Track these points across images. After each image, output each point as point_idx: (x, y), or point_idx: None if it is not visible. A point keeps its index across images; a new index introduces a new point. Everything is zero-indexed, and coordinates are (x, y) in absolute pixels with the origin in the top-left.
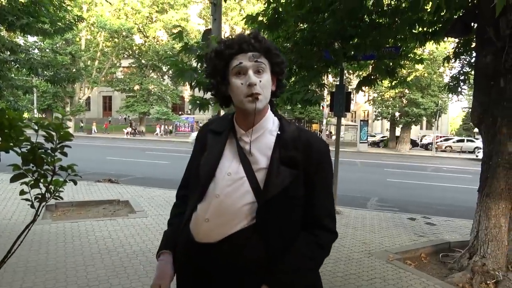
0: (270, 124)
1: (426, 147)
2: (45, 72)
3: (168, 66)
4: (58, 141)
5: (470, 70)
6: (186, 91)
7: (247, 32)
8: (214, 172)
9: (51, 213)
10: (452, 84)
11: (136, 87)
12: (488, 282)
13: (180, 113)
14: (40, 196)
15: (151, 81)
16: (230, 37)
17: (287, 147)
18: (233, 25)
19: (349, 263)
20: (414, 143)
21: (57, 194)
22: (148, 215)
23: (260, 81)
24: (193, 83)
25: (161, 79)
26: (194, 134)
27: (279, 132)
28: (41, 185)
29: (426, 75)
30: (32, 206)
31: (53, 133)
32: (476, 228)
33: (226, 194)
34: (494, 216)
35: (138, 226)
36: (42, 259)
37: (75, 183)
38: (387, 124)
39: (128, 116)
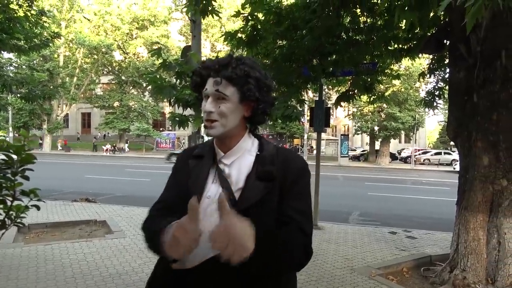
0: (249, 145)
1: (405, 160)
2: (20, 89)
3: (147, 83)
4: (19, 164)
5: (444, 85)
6: (168, 107)
7: (232, 52)
8: (201, 195)
9: (24, 236)
10: (428, 99)
11: (116, 104)
12: None
13: (161, 129)
14: (3, 222)
15: (131, 97)
16: (215, 57)
17: (264, 163)
18: (213, 42)
19: (332, 280)
20: (393, 157)
21: (18, 221)
22: (126, 235)
23: (219, 107)
24: (172, 100)
25: (142, 96)
26: (176, 151)
27: (258, 152)
28: (0, 211)
29: (403, 90)
30: None
31: (14, 156)
32: (455, 241)
33: (205, 216)
34: (472, 229)
35: (115, 247)
36: (11, 286)
37: (38, 209)
38: (367, 138)
39: (108, 133)
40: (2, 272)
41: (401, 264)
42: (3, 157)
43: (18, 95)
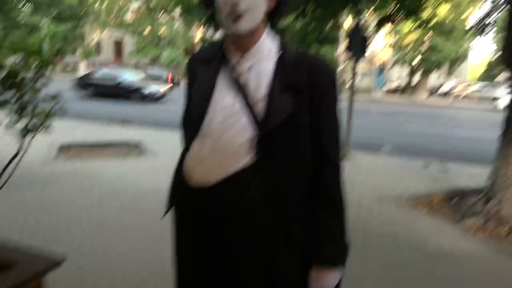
0: (267, 47)
1: (445, 94)
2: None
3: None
4: (39, 68)
5: (501, 9)
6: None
7: None
8: (207, 106)
9: (65, 153)
10: (478, 26)
11: (147, 31)
12: (502, 228)
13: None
14: (26, 128)
15: (162, 24)
16: None
17: (289, 71)
18: None
19: (358, 209)
20: (433, 90)
21: (45, 126)
22: (160, 157)
23: None
24: (203, 19)
25: (172, 22)
26: None
27: (279, 56)
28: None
29: (449, 19)
30: (24, 136)
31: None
32: (494, 174)
33: (222, 130)
34: None
35: (149, 167)
36: (55, 198)
37: (64, 112)
38: (405, 71)
39: (139, 61)
40: (46, 187)
41: (432, 196)
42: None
43: (49, 16)
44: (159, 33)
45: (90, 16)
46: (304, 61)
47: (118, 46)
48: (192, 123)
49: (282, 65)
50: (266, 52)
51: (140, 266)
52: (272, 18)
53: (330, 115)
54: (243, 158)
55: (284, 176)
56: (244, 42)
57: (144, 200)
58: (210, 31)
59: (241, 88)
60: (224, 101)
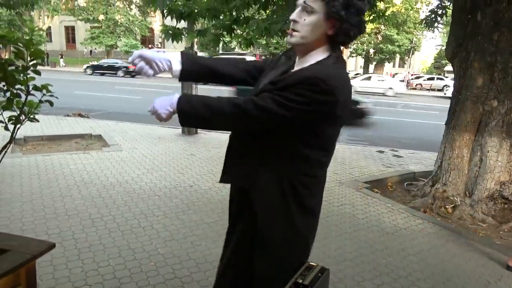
0: (314, 61)
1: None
2: None
3: None
4: (30, 58)
5: (449, 4)
6: (156, 23)
7: None
8: None
9: (20, 147)
10: (429, 18)
11: (101, 17)
12: (447, 206)
13: (150, 46)
14: (14, 118)
15: (117, 10)
16: None
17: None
18: None
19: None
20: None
21: (32, 116)
22: (123, 149)
23: (304, 19)
24: (165, 10)
25: (128, 9)
26: None
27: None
28: (15, 107)
29: (403, 10)
30: (6, 128)
31: (23, 50)
32: (440, 159)
33: None
34: (458, 147)
35: (113, 159)
36: (16, 191)
37: (51, 104)
38: (361, 62)
39: (95, 49)
40: (5, 180)
41: (387, 179)
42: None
43: None
44: (115, 20)
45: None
46: (307, 69)
47: (70, 32)
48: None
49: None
50: (313, 62)
51: (112, 256)
52: (332, 42)
53: (276, 92)
54: None
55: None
56: (301, 52)
57: (111, 191)
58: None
59: None
60: None
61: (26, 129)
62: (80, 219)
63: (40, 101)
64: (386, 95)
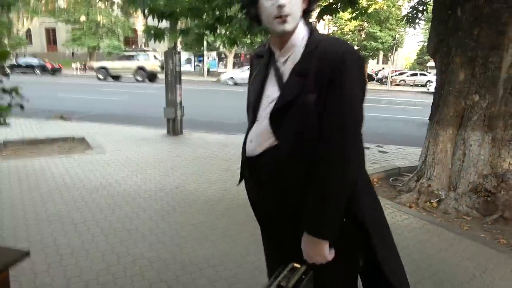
0: (299, 40)
1: (381, 81)
2: None
3: None
4: None
5: (429, 0)
6: (139, 23)
7: None
8: (260, 97)
9: (0, 152)
10: (411, 14)
11: (83, 18)
12: (432, 201)
13: (133, 46)
14: None
15: (99, 11)
16: None
17: (303, 59)
18: None
19: None
20: (370, 78)
21: (2, 122)
22: (106, 151)
23: (290, 1)
24: (145, 10)
25: (110, 10)
26: None
27: (304, 45)
28: None
29: (385, 7)
30: None
31: None
32: (424, 154)
33: (263, 116)
34: (441, 141)
35: (96, 162)
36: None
37: (22, 108)
38: None
39: (76, 51)
40: None
41: (372, 175)
42: None
43: None
44: (96, 21)
45: (18, 1)
46: (317, 49)
47: (51, 34)
48: (249, 110)
49: (303, 54)
50: (298, 43)
51: (95, 262)
52: (304, 14)
53: (336, 97)
54: (269, 139)
55: (289, 155)
56: (284, 39)
57: (95, 195)
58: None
59: (278, 79)
60: (268, 91)
61: (6, 133)
62: (62, 224)
63: (9, 105)
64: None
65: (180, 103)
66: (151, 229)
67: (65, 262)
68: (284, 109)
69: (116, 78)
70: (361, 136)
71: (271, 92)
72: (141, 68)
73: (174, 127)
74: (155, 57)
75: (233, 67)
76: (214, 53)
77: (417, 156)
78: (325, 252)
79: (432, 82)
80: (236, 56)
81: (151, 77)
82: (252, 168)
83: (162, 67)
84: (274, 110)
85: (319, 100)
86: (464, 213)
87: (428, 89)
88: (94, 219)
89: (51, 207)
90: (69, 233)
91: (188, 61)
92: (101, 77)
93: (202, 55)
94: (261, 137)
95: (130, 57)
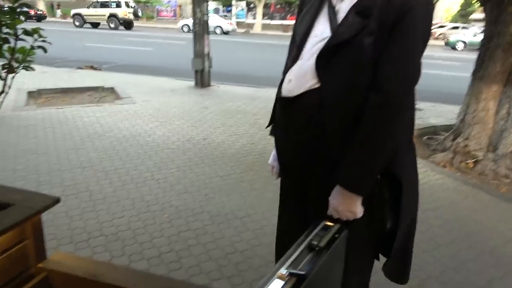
0: None
1: None
2: None
3: None
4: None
5: None
6: None
7: None
8: (307, 35)
9: (35, 100)
10: None
11: None
12: (468, 161)
13: None
14: (7, 66)
15: None
16: None
17: None
18: None
19: None
20: None
21: (26, 65)
22: (136, 101)
23: None
24: None
25: None
26: (181, 22)
27: None
28: (6, 54)
29: None
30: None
31: None
32: (464, 112)
33: (308, 56)
34: (484, 99)
35: (126, 112)
36: (32, 144)
37: (45, 51)
38: None
39: None
40: (20, 132)
41: None
42: None
43: None
44: None
45: None
46: None
47: None
48: (293, 48)
49: None
50: None
51: (126, 208)
52: None
53: (398, 44)
54: (311, 80)
55: (337, 104)
56: None
57: (125, 144)
58: None
59: (332, 17)
60: (317, 30)
61: (40, 82)
62: (94, 171)
63: (32, 47)
64: None
65: (208, 54)
66: (179, 179)
67: (97, 207)
68: (335, 50)
69: (95, 25)
70: (414, 91)
71: (321, 30)
72: (113, 15)
73: (202, 79)
74: (127, 4)
75: (263, 17)
76: (243, 3)
77: (454, 114)
78: (357, 209)
79: (463, 42)
80: (266, 6)
81: (127, 24)
82: (286, 109)
83: (135, 14)
84: (325, 48)
85: (377, 45)
86: (503, 175)
87: (457, 49)
88: (124, 167)
89: (83, 155)
90: (100, 180)
91: (216, 11)
92: (77, 23)
93: (230, 5)
94: (303, 78)
95: (104, 4)
